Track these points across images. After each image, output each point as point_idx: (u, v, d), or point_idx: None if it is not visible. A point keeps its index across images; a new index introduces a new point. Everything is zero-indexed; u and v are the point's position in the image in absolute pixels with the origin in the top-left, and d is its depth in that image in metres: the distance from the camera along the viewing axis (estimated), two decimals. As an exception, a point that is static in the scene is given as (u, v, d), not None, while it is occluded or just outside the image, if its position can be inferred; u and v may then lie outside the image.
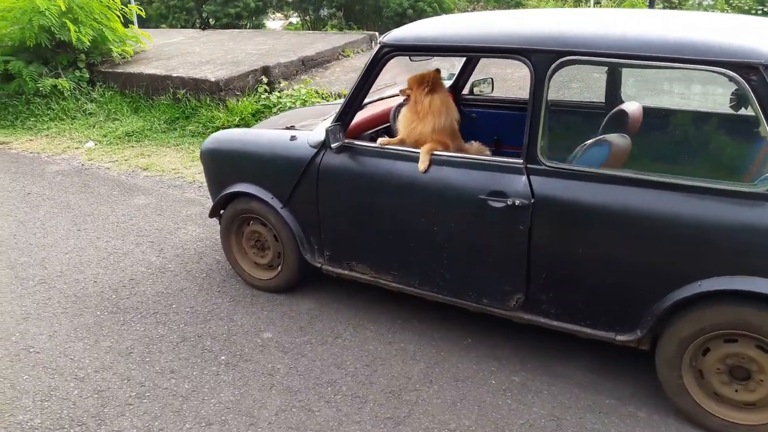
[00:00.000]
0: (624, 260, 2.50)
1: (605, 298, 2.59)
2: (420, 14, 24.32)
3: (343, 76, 7.38)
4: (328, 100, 6.56)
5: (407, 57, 3.36)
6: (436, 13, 24.44)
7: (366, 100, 3.20)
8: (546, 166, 2.60)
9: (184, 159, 6.28)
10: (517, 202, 2.61)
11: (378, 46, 2.92)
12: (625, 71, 3.51)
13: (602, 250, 2.53)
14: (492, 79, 4.26)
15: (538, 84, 2.56)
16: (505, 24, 2.85)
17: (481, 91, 4.15)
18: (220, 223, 3.72)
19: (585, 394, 2.73)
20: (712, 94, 3.60)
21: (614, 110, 3.20)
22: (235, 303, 3.55)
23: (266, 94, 6.95)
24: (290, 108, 6.52)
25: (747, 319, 2.31)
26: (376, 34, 9.02)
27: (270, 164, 3.33)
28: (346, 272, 3.26)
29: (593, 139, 2.80)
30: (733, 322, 2.35)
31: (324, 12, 27.48)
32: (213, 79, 6.90)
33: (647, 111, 3.17)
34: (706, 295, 2.35)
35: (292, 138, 3.28)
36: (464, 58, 3.95)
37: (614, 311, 2.60)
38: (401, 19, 23.63)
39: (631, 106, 3.15)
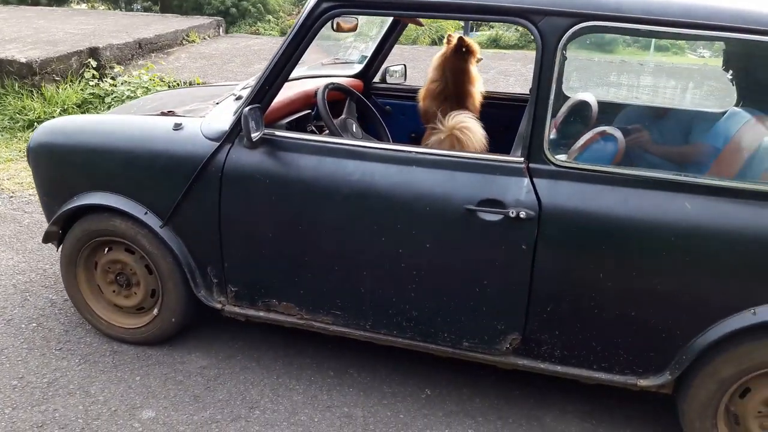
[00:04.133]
0: (658, 286, 1.94)
1: (629, 334, 2.02)
2: (243, 13, 23.21)
3: (192, 63, 6.25)
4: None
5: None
6: (260, 13, 23.48)
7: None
8: (555, 166, 1.96)
9: (-17, 161, 4.78)
10: (522, 213, 1.94)
11: (313, 1, 2.08)
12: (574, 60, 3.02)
13: (631, 275, 1.95)
14: (405, 65, 3.59)
15: (547, 57, 1.92)
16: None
17: (393, 80, 3.47)
18: (58, 250, 2.60)
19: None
20: (664, 87, 3.26)
21: (574, 101, 2.68)
22: (88, 366, 2.46)
23: (95, 80, 5.62)
24: (129, 98, 5.31)
25: (812, 353, 1.87)
26: (222, 19, 7.95)
27: (142, 164, 2.31)
28: (262, 314, 2.36)
29: (594, 132, 2.23)
30: (793, 357, 1.90)
31: (138, 5, 25.34)
32: (23, 60, 5.42)
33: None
34: (759, 326, 1.88)
35: (177, 127, 2.30)
36: (379, 39, 3.24)
37: (639, 351, 2.04)
38: (223, 17, 22.37)
39: (589, 98, 2.66)
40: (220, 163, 2.20)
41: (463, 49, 2.83)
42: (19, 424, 2.15)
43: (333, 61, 3.26)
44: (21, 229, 3.65)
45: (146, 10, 24.40)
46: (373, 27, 3.28)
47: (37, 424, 2.15)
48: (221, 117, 2.33)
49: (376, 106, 3.36)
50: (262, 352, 2.58)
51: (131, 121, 2.48)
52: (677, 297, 1.94)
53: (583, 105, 2.62)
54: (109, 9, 23.40)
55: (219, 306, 2.39)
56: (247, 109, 2.06)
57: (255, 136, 2.08)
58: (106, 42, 5.98)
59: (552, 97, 1.93)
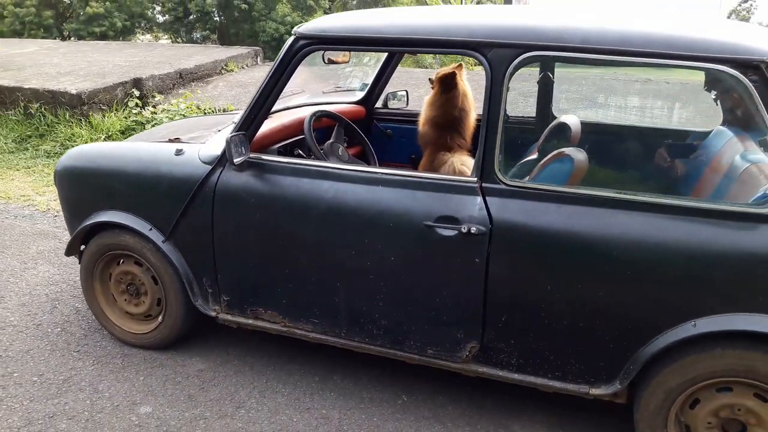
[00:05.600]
0: (603, 298, 2.06)
1: (579, 344, 2.14)
2: (297, 40, 24.05)
3: (228, 91, 6.65)
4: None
5: (321, 56, 2.78)
6: (313, 40, 24.25)
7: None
8: (506, 185, 2.12)
9: (36, 184, 5.24)
10: (473, 229, 2.10)
11: (291, 38, 2.33)
12: (561, 83, 3.17)
13: (577, 287, 2.08)
14: (407, 91, 3.81)
15: (496, 85, 2.09)
16: (458, 15, 2.36)
17: (396, 105, 3.68)
18: (80, 263, 2.91)
19: (554, 461, 2.26)
20: (650, 108, 3.35)
21: (555, 123, 2.84)
22: (100, 366, 2.74)
23: (138, 108, 6.06)
24: (167, 125, 5.71)
25: (751, 365, 1.94)
26: (260, 49, 8.38)
27: (147, 185, 2.60)
28: (251, 322, 2.58)
29: (552, 154, 2.38)
30: (734, 368, 1.97)
31: (197, 35, 26.68)
32: (74, 92, 5.91)
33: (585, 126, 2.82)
34: (701, 337, 1.97)
35: (178, 152, 2.58)
36: (379, 67, 3.47)
37: (589, 360, 2.15)
38: (278, 44, 23.24)
39: (571, 119, 2.79)
40: (212, 184, 2.45)
41: (446, 85, 3.00)
42: (33, 414, 2.43)
43: (334, 89, 3.50)
44: (60, 245, 4.01)
45: (204, 39, 25.65)
46: (372, 57, 3.52)
47: (49, 415, 2.42)
48: (218, 143, 2.59)
49: (377, 130, 3.58)
50: (256, 358, 2.80)
51: (141, 147, 2.78)
52: (621, 309, 2.05)
53: (563, 127, 2.76)
54: (171, 39, 24.74)
55: (214, 314, 2.63)
56: (230, 135, 2.31)
57: (238, 160, 2.32)
58: (149, 73, 6.45)
59: (501, 121, 2.09)
